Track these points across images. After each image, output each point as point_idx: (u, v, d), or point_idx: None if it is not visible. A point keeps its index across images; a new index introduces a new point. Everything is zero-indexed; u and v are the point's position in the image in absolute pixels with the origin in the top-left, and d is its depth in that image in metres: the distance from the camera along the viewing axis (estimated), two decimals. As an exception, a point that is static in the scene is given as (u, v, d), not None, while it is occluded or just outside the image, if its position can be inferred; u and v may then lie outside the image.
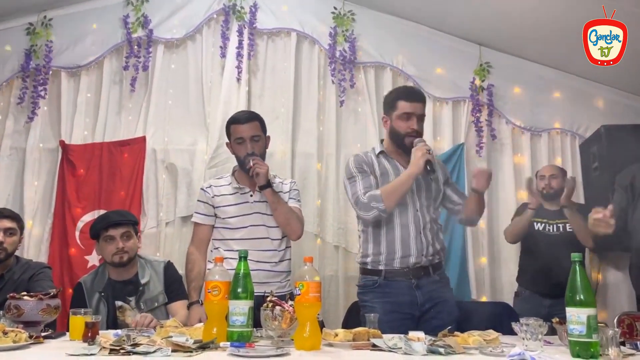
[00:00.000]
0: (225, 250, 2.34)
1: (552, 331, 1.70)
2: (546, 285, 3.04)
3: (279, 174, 2.70)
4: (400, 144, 2.28)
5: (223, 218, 2.40)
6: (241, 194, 2.42)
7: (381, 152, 2.35)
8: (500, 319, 2.58)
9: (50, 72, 3.56)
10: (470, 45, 3.84)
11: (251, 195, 2.41)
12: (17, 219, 2.51)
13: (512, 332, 1.66)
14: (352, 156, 2.36)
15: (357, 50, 3.75)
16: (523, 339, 1.54)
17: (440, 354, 1.46)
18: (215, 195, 2.43)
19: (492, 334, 1.64)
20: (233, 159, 3.44)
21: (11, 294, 1.83)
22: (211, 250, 2.46)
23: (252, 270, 2.19)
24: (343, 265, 3.52)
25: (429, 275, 2.23)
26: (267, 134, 2.47)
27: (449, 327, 1.72)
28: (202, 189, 2.51)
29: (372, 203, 2.16)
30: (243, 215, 2.38)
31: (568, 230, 3.14)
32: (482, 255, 3.63)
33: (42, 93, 3.52)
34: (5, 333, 1.55)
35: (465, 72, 3.80)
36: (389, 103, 2.33)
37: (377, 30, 3.82)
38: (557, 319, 1.70)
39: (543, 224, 3.19)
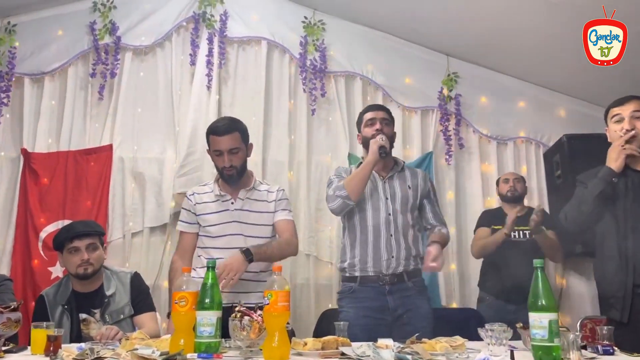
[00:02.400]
0: (206, 259, 2.29)
1: (517, 336, 1.74)
2: (511, 292, 3.09)
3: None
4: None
5: (204, 226, 2.36)
6: (222, 201, 2.37)
7: (360, 164, 2.45)
8: (468, 324, 2.62)
9: (14, 78, 3.47)
10: (438, 56, 3.93)
11: (232, 203, 2.37)
12: None
13: (480, 338, 1.69)
14: (341, 167, 2.57)
15: (328, 60, 3.79)
16: (488, 344, 1.57)
17: (407, 361, 1.47)
18: (197, 203, 2.39)
19: (458, 340, 1.66)
20: (203, 167, 3.47)
21: (-30, 308, 1.76)
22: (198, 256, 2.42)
23: None
24: (314, 273, 3.53)
25: (403, 282, 2.29)
26: (250, 142, 2.41)
27: (417, 334, 1.73)
28: (186, 196, 2.47)
29: (336, 192, 2.31)
30: (223, 223, 2.34)
31: (534, 236, 3.20)
32: (451, 262, 3.68)
33: (5, 100, 3.43)
34: (-38, 348, 1.50)
35: (433, 81, 3.88)
36: (358, 121, 2.53)
37: (347, 40, 3.87)
38: (521, 324, 1.74)
39: None
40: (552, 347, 1.43)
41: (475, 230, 3.41)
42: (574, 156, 3.47)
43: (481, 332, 1.62)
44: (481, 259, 3.40)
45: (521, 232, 3.24)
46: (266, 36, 3.76)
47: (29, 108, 3.48)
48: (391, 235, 2.31)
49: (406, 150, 3.81)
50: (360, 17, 3.84)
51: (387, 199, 2.36)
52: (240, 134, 2.33)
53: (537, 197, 3.84)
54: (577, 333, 1.59)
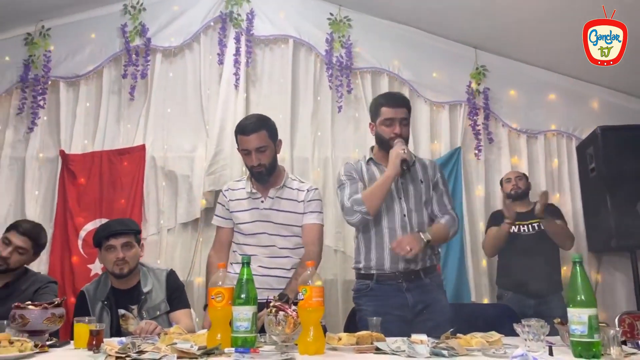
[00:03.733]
0: (240, 255, 2.34)
1: (553, 332, 1.72)
2: (528, 286, 3.14)
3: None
4: (386, 148, 2.30)
5: (237, 223, 2.39)
6: (253, 199, 2.38)
7: (370, 159, 2.39)
8: (500, 320, 2.59)
9: (49, 82, 3.58)
10: (466, 49, 3.88)
11: (262, 202, 2.38)
12: (33, 237, 2.43)
13: (513, 334, 1.68)
14: (343, 165, 2.42)
15: (354, 56, 3.78)
16: (525, 339, 1.56)
17: (443, 356, 1.47)
18: (230, 200, 2.41)
19: (494, 335, 1.65)
20: (232, 165, 3.52)
21: (16, 304, 1.83)
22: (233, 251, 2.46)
23: (263, 276, 2.21)
24: (342, 269, 3.54)
25: (420, 279, 2.26)
26: (279, 138, 2.40)
27: (451, 330, 1.73)
28: (221, 191, 2.50)
29: (354, 207, 2.23)
30: (253, 221, 2.36)
31: (542, 228, 3.23)
32: (482, 258, 3.64)
33: (42, 103, 3.54)
34: (11, 342, 1.56)
35: (461, 75, 3.84)
36: (373, 110, 2.38)
37: (373, 36, 3.85)
38: (559, 320, 1.72)
39: (517, 226, 3.26)
40: (592, 342, 1.41)
41: (486, 231, 3.43)
42: (608, 148, 3.39)
43: (517, 327, 1.61)
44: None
45: (529, 225, 3.27)
46: (292, 34, 3.78)
47: (66, 110, 3.59)
48: None
49: (434, 146, 3.78)
50: (386, 12, 3.82)
51: (400, 198, 2.30)
52: (268, 132, 2.31)
53: (570, 192, 3.76)
54: (617, 328, 1.56)
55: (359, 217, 2.23)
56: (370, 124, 2.41)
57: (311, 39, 3.79)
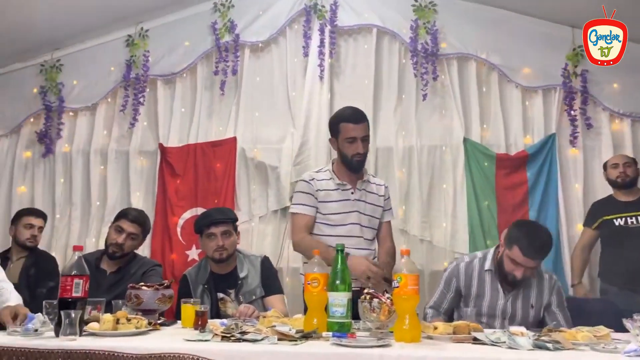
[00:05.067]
0: None
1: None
2: (636, 281, 2.93)
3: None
4: None
5: (324, 214, 2.40)
6: (342, 190, 2.41)
7: (492, 273, 2.21)
8: (601, 316, 2.45)
9: (148, 80, 3.82)
10: (562, 29, 3.65)
11: (352, 193, 2.42)
12: (141, 223, 2.62)
13: (618, 329, 1.59)
14: (463, 263, 2.30)
15: (439, 42, 3.69)
16: (637, 335, 1.47)
17: (547, 349, 1.42)
18: (318, 189, 2.42)
19: (602, 329, 1.57)
20: (316, 156, 3.57)
21: (131, 284, 2.00)
22: None
23: None
24: (428, 259, 3.50)
25: None
26: None
27: (554, 323, 1.66)
28: (304, 180, 2.45)
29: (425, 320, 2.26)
30: (344, 212, 2.39)
31: None
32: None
33: (142, 100, 3.80)
34: (128, 320, 1.71)
35: (556, 58, 3.62)
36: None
37: (459, 20, 3.73)
38: (676, 315, 1.60)
39: (623, 218, 3.06)
40: None
41: (584, 225, 3.26)
42: None
43: (627, 322, 1.53)
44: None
45: (638, 217, 3.05)
46: (376, 23, 3.75)
47: (163, 107, 3.82)
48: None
49: (526, 133, 3.62)
50: (473, -6, 3.69)
51: (504, 319, 2.17)
52: (368, 124, 2.43)
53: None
54: None
55: None
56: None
57: (395, 26, 3.75)
